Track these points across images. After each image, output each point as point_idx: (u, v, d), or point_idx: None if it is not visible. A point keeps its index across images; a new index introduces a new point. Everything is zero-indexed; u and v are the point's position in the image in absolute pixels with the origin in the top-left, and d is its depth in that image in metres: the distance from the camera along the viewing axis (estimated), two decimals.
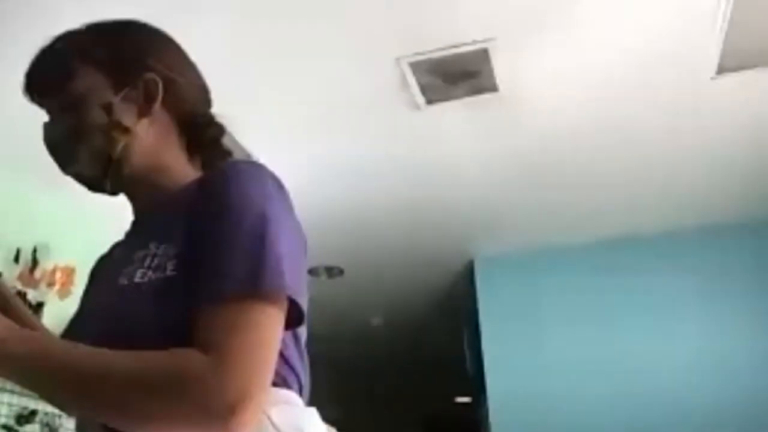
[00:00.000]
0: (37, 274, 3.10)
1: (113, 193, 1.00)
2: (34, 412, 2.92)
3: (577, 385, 3.92)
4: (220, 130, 1.03)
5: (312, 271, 4.52)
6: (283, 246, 0.82)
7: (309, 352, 0.95)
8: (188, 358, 0.75)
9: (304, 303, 0.83)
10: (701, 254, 4.03)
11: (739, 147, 3.29)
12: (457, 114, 2.99)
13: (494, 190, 3.67)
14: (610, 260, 4.15)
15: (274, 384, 0.83)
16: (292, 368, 0.88)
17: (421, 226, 4.06)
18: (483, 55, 2.60)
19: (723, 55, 2.64)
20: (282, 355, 0.85)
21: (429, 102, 2.88)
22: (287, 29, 2.46)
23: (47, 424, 2.97)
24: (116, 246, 1.04)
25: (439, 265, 4.62)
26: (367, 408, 7.44)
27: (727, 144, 3.26)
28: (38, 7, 2.23)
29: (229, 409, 0.72)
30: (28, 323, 1.05)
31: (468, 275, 4.57)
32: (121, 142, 0.94)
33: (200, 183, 0.90)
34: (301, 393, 0.90)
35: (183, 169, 0.99)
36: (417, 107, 2.92)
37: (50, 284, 3.14)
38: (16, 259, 3.04)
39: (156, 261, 0.85)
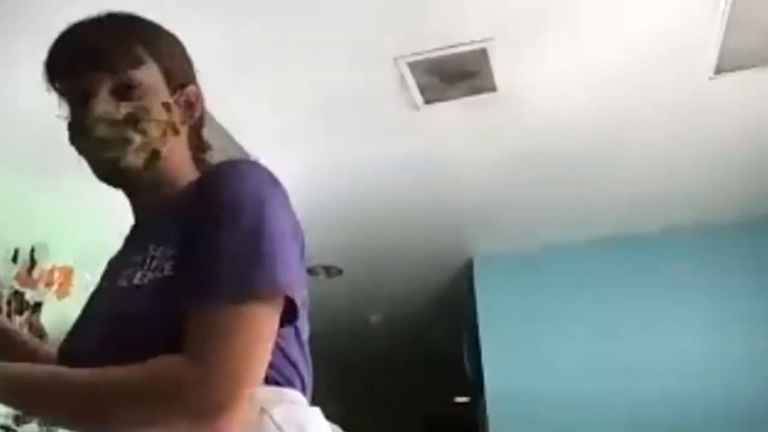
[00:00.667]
0: (35, 274, 3.10)
1: (124, 188, 1.00)
2: None
3: (576, 385, 3.92)
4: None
5: (311, 271, 4.52)
6: (276, 244, 0.83)
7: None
8: (172, 362, 0.76)
9: (299, 298, 0.83)
10: (700, 253, 4.04)
11: (738, 146, 3.29)
12: (456, 114, 2.99)
13: (493, 190, 3.67)
14: (609, 259, 4.15)
15: (277, 383, 0.84)
16: (293, 364, 0.88)
17: (420, 225, 4.06)
18: (482, 55, 2.60)
19: (721, 55, 2.65)
20: (283, 352, 0.86)
21: (427, 102, 2.88)
22: (285, 29, 2.45)
23: (46, 425, 2.97)
24: (121, 248, 1.05)
25: (438, 264, 4.62)
26: (367, 407, 7.44)
27: (726, 144, 3.27)
28: (38, 6, 2.23)
29: (216, 409, 0.74)
30: (25, 347, 1.10)
31: (467, 274, 4.57)
32: (171, 142, 0.97)
33: (198, 184, 0.91)
34: (304, 390, 0.90)
35: (188, 172, 1.00)
36: (415, 107, 2.92)
37: (48, 284, 3.13)
38: (14, 258, 3.04)
39: (155, 262, 0.86)
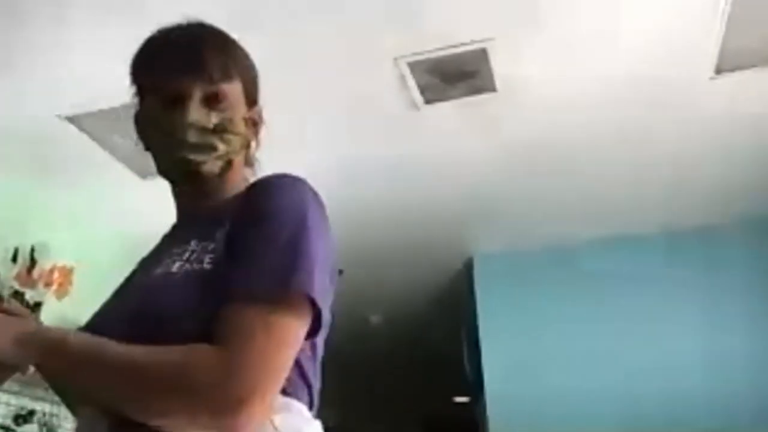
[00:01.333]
0: (35, 273, 3.10)
1: (191, 188, 1.02)
2: (32, 412, 2.91)
3: (576, 384, 3.92)
4: None
5: None
6: (317, 254, 0.86)
7: None
8: (202, 352, 0.78)
9: (325, 312, 0.86)
10: (700, 252, 4.03)
11: (738, 146, 3.29)
12: (456, 114, 2.99)
13: (493, 189, 3.67)
14: (609, 258, 4.15)
15: (287, 394, 0.84)
16: (305, 379, 0.90)
17: (420, 225, 4.06)
18: (481, 55, 2.60)
19: (721, 55, 2.65)
20: (298, 364, 0.87)
21: (428, 102, 2.88)
22: (286, 30, 2.46)
23: (45, 424, 2.97)
24: (157, 245, 1.07)
25: (438, 263, 4.63)
26: (367, 407, 7.44)
27: (726, 143, 3.27)
28: (38, 15, 2.23)
29: (236, 404, 0.75)
30: None
31: (467, 274, 4.57)
32: (241, 154, 1.04)
33: (246, 192, 0.95)
34: (311, 407, 0.91)
35: (239, 182, 1.04)
36: (416, 107, 2.92)
37: (48, 284, 3.13)
38: (14, 258, 3.04)
39: (195, 255, 0.89)
